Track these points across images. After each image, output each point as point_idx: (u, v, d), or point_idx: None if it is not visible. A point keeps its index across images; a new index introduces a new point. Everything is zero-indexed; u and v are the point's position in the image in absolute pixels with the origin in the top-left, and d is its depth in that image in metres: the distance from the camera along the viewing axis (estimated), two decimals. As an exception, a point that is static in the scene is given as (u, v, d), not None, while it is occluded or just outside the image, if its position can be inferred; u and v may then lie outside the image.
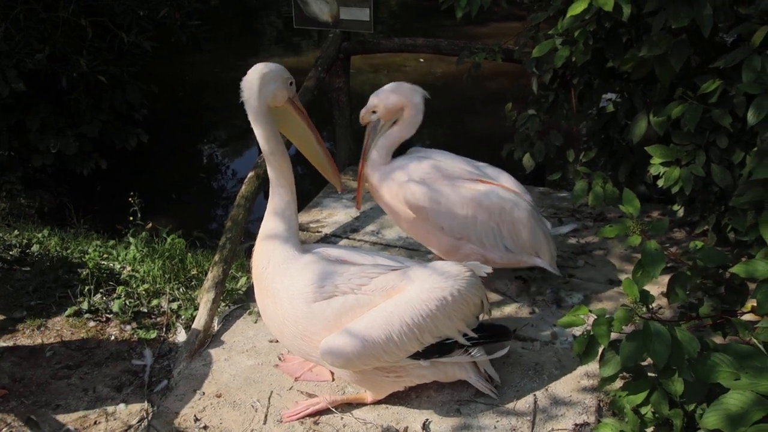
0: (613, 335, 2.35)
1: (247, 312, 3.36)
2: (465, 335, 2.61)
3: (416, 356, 2.53)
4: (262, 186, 3.82)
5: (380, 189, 3.21)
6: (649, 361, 2.42)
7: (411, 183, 3.12)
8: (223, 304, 3.41)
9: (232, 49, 11.00)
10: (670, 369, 2.42)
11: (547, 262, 3.27)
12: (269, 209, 2.59)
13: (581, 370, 2.93)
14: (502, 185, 3.22)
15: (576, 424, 2.65)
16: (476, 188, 3.15)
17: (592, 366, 2.94)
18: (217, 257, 3.42)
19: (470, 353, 2.65)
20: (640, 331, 2.06)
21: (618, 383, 2.68)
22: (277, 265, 2.47)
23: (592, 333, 2.43)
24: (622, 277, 3.56)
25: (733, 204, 2.35)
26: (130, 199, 3.96)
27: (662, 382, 2.46)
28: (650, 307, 2.15)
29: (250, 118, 2.46)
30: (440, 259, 3.28)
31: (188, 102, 8.67)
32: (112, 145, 6.32)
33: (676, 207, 3.54)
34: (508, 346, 2.82)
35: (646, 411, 2.53)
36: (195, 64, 9.62)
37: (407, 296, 2.45)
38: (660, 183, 2.75)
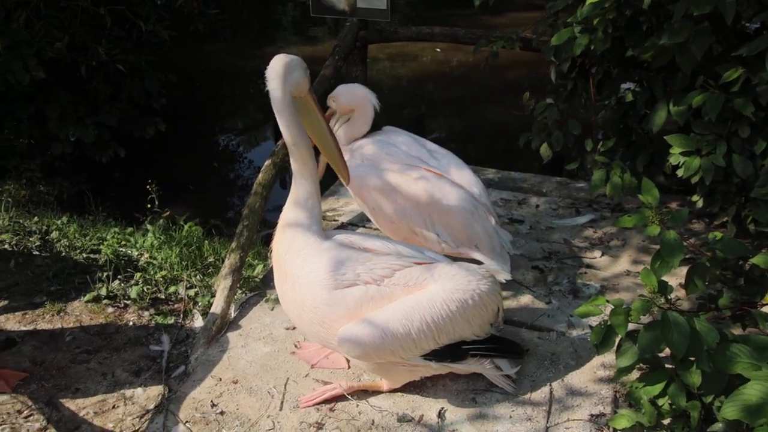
0: (631, 326, 2.34)
1: (264, 299, 3.38)
2: (477, 342, 2.62)
3: (429, 356, 2.55)
4: (279, 174, 3.84)
5: None
6: (666, 352, 2.40)
7: (353, 162, 3.24)
8: (239, 291, 3.44)
9: (248, 39, 11.02)
10: (688, 360, 2.40)
11: (489, 258, 3.12)
12: (291, 198, 2.58)
13: (598, 360, 2.92)
14: (442, 174, 3.19)
15: (592, 415, 2.64)
16: (408, 175, 3.15)
17: (609, 357, 2.92)
18: (234, 245, 3.45)
19: (482, 364, 2.66)
20: (658, 321, 2.05)
21: (635, 374, 2.66)
22: (297, 251, 2.48)
23: (609, 323, 2.42)
24: (640, 267, 3.53)
25: (755, 195, 2.32)
26: (148, 187, 3.99)
27: (680, 373, 2.44)
28: (668, 297, 2.13)
29: (275, 108, 2.44)
30: None
31: (205, 91, 8.71)
32: (131, 134, 6.38)
33: (695, 198, 3.50)
34: (519, 365, 2.78)
35: (663, 402, 2.51)
36: (212, 54, 9.66)
37: (429, 295, 2.45)
38: (680, 173, 2.72)
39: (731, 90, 2.57)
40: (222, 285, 3.28)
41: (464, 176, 3.25)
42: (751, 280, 2.36)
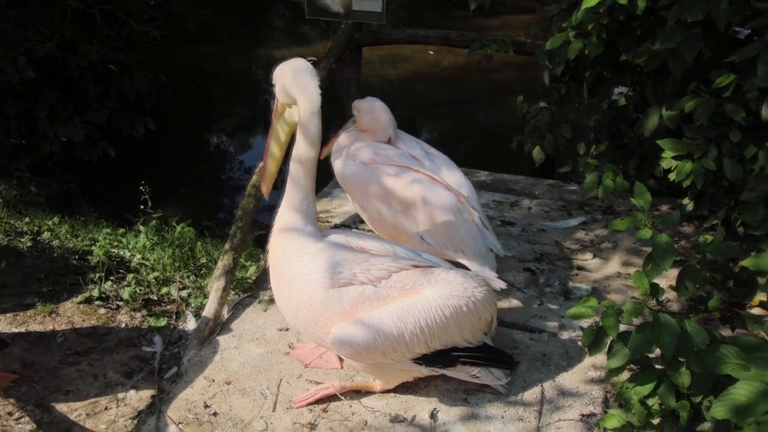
0: (622, 327, 2.37)
1: (257, 300, 3.38)
2: (469, 350, 2.63)
3: (419, 360, 2.56)
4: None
5: (333, 161, 3.48)
6: (657, 353, 2.43)
7: (348, 160, 3.32)
8: (232, 292, 3.43)
9: (240, 40, 11.00)
10: (678, 361, 2.43)
11: (474, 263, 3.10)
12: (286, 201, 2.57)
13: (588, 361, 2.94)
14: (433, 177, 3.19)
15: (582, 415, 2.66)
16: (404, 178, 3.17)
17: (600, 358, 2.94)
18: (227, 246, 3.45)
19: (471, 373, 2.66)
20: (649, 323, 2.07)
21: (625, 375, 2.69)
22: (294, 251, 2.49)
23: (600, 324, 2.45)
24: (631, 269, 3.57)
25: (744, 198, 2.35)
26: (141, 187, 3.98)
27: (669, 374, 2.47)
28: (659, 299, 2.16)
29: (309, 116, 2.42)
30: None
31: (198, 91, 8.69)
32: (120, 133, 6.35)
33: (685, 201, 3.54)
34: (508, 379, 2.77)
35: (653, 402, 2.54)
36: (205, 54, 9.63)
37: (424, 299, 2.46)
38: (671, 177, 2.75)
39: (723, 95, 2.61)
40: (215, 286, 3.27)
41: (454, 178, 3.27)
42: (740, 282, 2.39)
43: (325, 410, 2.70)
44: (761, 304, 2.37)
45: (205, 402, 2.75)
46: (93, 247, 3.88)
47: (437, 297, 2.48)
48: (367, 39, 4.59)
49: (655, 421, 2.52)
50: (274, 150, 2.69)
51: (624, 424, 2.52)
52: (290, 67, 2.44)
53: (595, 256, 3.70)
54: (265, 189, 2.75)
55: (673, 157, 2.72)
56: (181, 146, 7.07)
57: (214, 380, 2.87)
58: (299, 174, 2.52)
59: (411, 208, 3.13)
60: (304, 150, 2.47)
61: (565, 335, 3.11)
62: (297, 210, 2.55)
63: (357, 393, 2.77)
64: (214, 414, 2.69)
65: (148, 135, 6.40)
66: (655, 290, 2.16)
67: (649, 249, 3.78)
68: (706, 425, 2.32)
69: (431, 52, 10.62)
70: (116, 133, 6.26)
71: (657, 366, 2.49)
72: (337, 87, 5.01)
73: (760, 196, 2.26)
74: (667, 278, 3.31)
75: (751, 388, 1.73)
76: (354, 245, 2.60)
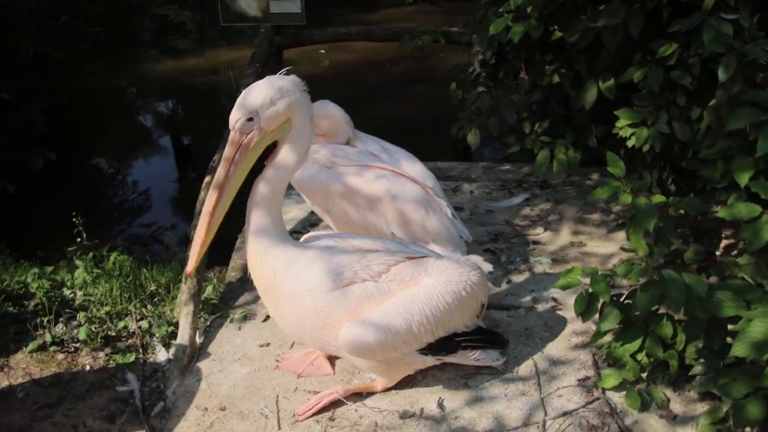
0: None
1: (228, 320, 3.26)
2: (467, 334, 2.69)
3: (425, 350, 2.59)
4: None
5: None
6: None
7: (311, 168, 3.19)
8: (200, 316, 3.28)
9: (112, 56, 10.38)
10: (658, 314, 2.61)
11: (448, 251, 3.12)
12: (255, 222, 2.42)
13: (569, 329, 3.08)
14: (396, 171, 3.20)
15: (579, 380, 2.79)
16: (366, 176, 3.15)
17: (578, 325, 3.10)
18: (188, 268, 3.27)
19: (473, 357, 2.73)
20: (653, 281, 2.21)
21: (608, 337, 2.85)
22: (285, 268, 2.41)
23: (591, 291, 2.57)
24: (581, 238, 3.77)
25: (703, 156, 2.55)
26: (74, 219, 3.71)
27: (653, 328, 2.65)
28: (654, 257, 2.30)
29: (307, 122, 2.37)
30: None
31: (90, 113, 8.12)
32: (15, 168, 5.83)
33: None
34: (504, 358, 2.85)
35: (642, 357, 2.72)
36: (91, 73, 8.99)
37: (425, 289, 2.49)
38: (630, 143, 2.93)
39: (668, 63, 2.82)
40: (184, 312, 3.12)
41: (416, 169, 3.30)
42: (707, 233, 2.60)
43: (332, 418, 2.65)
44: (726, 252, 2.59)
45: (204, 433, 2.62)
46: (24, 291, 3.57)
47: (437, 285, 2.51)
48: (288, 41, 4.52)
49: (646, 374, 2.70)
50: (233, 190, 2.39)
51: (621, 381, 2.68)
52: (270, 87, 2.27)
53: (546, 230, 3.87)
54: (194, 263, 2.42)
55: (630, 125, 2.91)
56: (86, 173, 6.62)
57: (207, 408, 2.74)
58: (274, 190, 2.40)
59: (378, 205, 3.13)
60: (291, 159, 2.39)
61: (540, 308, 3.24)
62: (271, 226, 2.43)
63: (359, 396, 2.75)
64: (218, 443, 2.58)
65: (48, 165, 5.92)
66: (652, 249, 2.30)
67: (592, 216, 4.02)
68: (697, 368, 2.50)
69: (322, 51, 10.58)
70: (14, 167, 5.75)
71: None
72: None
73: (719, 152, 2.47)
74: (616, 242, 3.56)
75: (765, 325, 1.89)
76: (345, 245, 2.57)
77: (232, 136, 2.31)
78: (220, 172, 2.34)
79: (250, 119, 2.27)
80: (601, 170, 4.36)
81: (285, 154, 2.39)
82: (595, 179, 4.33)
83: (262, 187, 2.40)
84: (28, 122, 5.81)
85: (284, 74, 2.37)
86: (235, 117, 2.28)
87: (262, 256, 2.44)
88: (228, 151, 2.31)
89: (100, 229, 5.57)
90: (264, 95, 2.25)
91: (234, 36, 10.69)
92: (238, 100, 2.31)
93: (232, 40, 10.71)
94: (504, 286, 3.41)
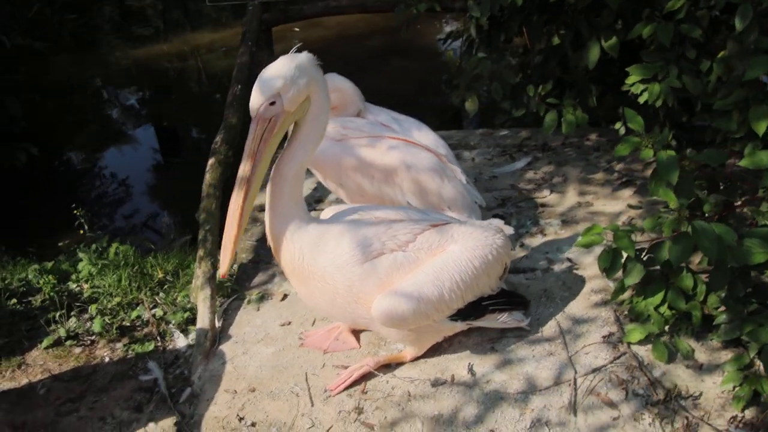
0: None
1: (246, 302, 3.22)
2: (493, 297, 2.70)
3: (455, 316, 2.58)
4: (226, 171, 3.64)
5: None
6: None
7: (323, 143, 3.13)
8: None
9: (83, 46, 10.08)
10: (679, 267, 2.63)
11: (464, 216, 3.10)
12: (279, 202, 2.36)
13: (587, 288, 3.11)
14: (408, 140, 3.18)
15: (603, 336, 2.81)
16: (379, 147, 3.11)
17: (594, 283, 3.13)
18: (201, 253, 3.24)
19: (500, 320, 2.74)
20: (684, 233, 2.22)
21: (628, 293, 2.88)
22: (312, 248, 2.37)
23: (614, 246, 2.58)
24: (588, 197, 3.78)
25: (718, 107, 2.56)
26: (75, 212, 3.63)
27: (673, 280, 2.68)
28: (685, 210, 2.31)
29: (326, 100, 2.36)
30: None
31: (63, 106, 7.91)
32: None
33: (617, 125, 3.78)
34: (529, 319, 2.87)
35: (664, 310, 2.74)
36: (55, 65, 8.74)
37: (453, 255, 2.49)
38: (642, 99, 2.93)
39: (677, 18, 2.81)
40: (201, 296, 3.07)
41: (428, 138, 3.27)
42: (724, 184, 2.62)
43: (364, 391, 2.65)
44: (746, 202, 2.61)
45: (237, 415, 2.60)
46: (27, 287, 3.49)
47: (465, 250, 2.51)
48: (278, 18, 4.42)
49: (668, 327, 2.74)
50: (258, 182, 2.32)
51: (646, 335, 2.71)
52: (288, 67, 2.19)
53: (552, 192, 3.88)
54: (228, 263, 2.33)
55: (641, 81, 2.90)
56: (73, 167, 6.46)
57: (236, 391, 2.71)
58: (297, 171, 2.35)
59: (393, 176, 3.10)
60: (313, 137, 2.35)
61: (556, 268, 3.25)
62: (294, 208, 2.39)
63: (389, 367, 2.75)
64: (253, 424, 2.56)
65: (31, 161, 5.76)
66: (683, 201, 2.30)
67: (596, 176, 4.03)
68: (721, 317, 2.54)
69: (297, 29, 10.42)
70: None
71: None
72: (254, 73, 4.79)
73: (734, 102, 2.48)
74: (623, 200, 3.57)
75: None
76: (369, 217, 2.54)
77: (255, 124, 2.23)
78: (246, 167, 2.25)
79: (272, 103, 2.21)
80: (599, 131, 4.38)
81: (306, 132, 2.34)
82: (593, 139, 4.34)
83: (285, 169, 2.34)
84: (10, 117, 5.63)
85: (296, 51, 2.31)
86: (258, 102, 2.20)
87: (288, 240, 2.39)
88: (252, 144, 2.23)
89: (92, 222, 5.46)
90: (285, 76, 2.18)
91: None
92: (256, 84, 2.22)
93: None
94: (518, 250, 3.41)
